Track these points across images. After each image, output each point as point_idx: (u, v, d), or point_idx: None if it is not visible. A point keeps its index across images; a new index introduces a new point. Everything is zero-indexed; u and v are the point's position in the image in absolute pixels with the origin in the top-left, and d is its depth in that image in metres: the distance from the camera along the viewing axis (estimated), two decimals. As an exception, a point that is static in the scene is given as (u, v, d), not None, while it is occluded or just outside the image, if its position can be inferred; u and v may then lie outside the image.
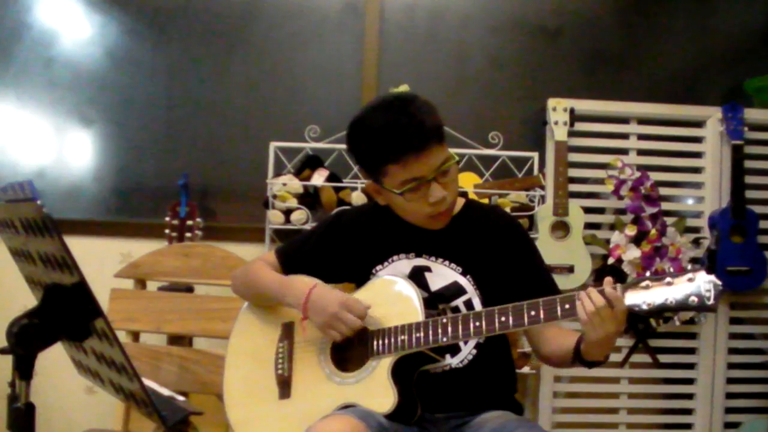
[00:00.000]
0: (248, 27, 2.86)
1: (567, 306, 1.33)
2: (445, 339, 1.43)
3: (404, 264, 1.58)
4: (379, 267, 1.59)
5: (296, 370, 1.55)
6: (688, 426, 2.67)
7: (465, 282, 1.55)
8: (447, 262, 1.56)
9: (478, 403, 1.53)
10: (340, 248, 1.64)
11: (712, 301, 1.24)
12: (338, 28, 2.88)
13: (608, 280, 1.32)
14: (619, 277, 2.52)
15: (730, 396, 2.65)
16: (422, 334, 1.43)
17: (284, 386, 1.55)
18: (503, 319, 1.39)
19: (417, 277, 1.55)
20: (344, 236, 1.64)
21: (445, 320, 1.43)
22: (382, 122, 1.46)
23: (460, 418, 1.52)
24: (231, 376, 1.64)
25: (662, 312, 1.29)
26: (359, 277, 1.62)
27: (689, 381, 2.66)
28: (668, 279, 1.27)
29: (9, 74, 2.82)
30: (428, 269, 1.56)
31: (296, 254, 1.67)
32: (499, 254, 1.57)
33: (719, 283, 1.25)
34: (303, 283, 1.54)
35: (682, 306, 1.26)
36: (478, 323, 1.41)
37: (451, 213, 1.56)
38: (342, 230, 1.65)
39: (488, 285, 1.56)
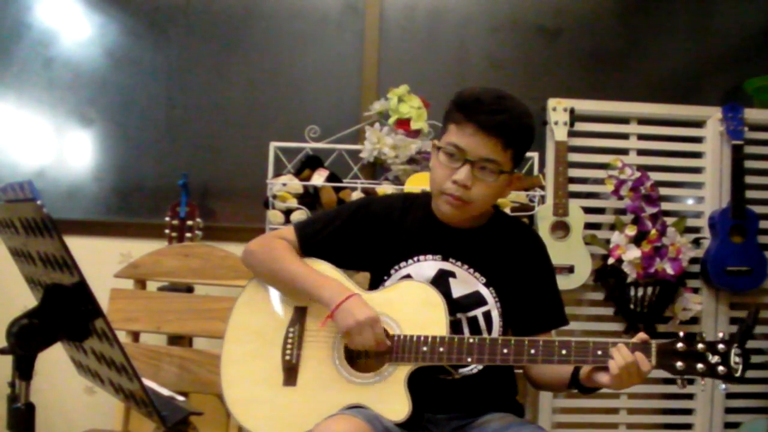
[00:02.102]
0: (248, 27, 2.86)
1: (599, 353, 1.35)
2: (469, 359, 1.42)
3: (430, 265, 1.55)
4: (403, 264, 1.56)
5: (305, 358, 1.51)
6: (688, 426, 2.67)
7: (487, 293, 1.54)
8: (472, 270, 1.55)
9: (480, 405, 1.54)
10: (365, 237, 1.59)
11: (739, 374, 1.29)
12: (338, 28, 2.88)
13: (642, 336, 1.34)
14: (619, 277, 2.52)
15: (730, 396, 2.65)
16: (445, 350, 1.42)
17: (290, 373, 1.50)
18: (533, 351, 1.38)
19: (441, 280, 1.53)
20: (372, 225, 1.59)
21: (471, 340, 1.42)
22: (481, 91, 1.49)
23: (463, 419, 1.52)
24: (232, 351, 1.57)
25: (689, 375, 1.32)
26: (379, 269, 1.58)
27: (689, 381, 2.65)
28: (700, 345, 1.31)
29: (9, 74, 2.82)
30: (453, 275, 1.54)
31: (317, 236, 1.61)
32: (520, 269, 1.56)
33: (749, 356, 1.29)
34: (344, 286, 1.50)
35: (710, 374, 1.30)
36: (506, 351, 1.40)
37: (464, 209, 1.50)
38: (370, 218, 1.60)
39: (508, 299, 1.55)
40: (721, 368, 1.28)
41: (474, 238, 1.56)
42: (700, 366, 1.29)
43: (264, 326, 1.56)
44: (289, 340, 1.53)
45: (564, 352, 1.36)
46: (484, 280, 1.54)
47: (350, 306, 1.44)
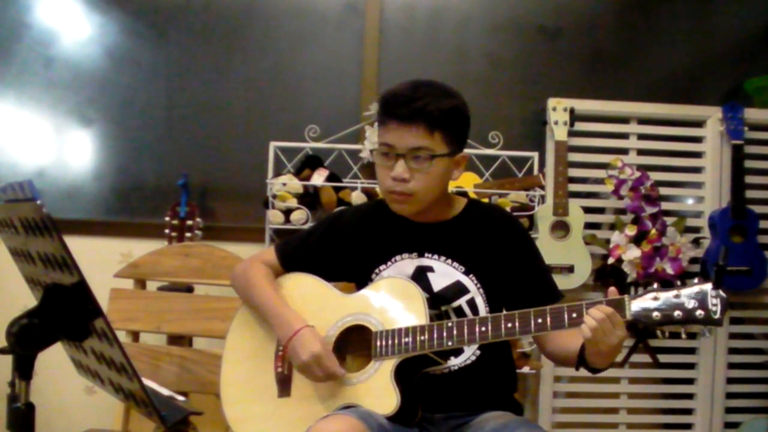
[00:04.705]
0: (248, 27, 2.86)
1: (574, 315, 1.33)
2: (450, 343, 1.42)
3: (407, 264, 1.57)
4: (382, 267, 1.59)
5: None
6: (688, 426, 2.67)
7: (467, 281, 1.55)
8: (450, 261, 1.56)
9: (478, 403, 1.53)
10: (341, 248, 1.63)
11: (718, 316, 1.25)
12: (338, 28, 2.88)
13: (612, 290, 1.33)
14: (619, 277, 2.52)
15: (730, 396, 2.66)
16: (426, 337, 1.43)
17: (284, 385, 1.54)
18: (510, 325, 1.38)
19: (420, 277, 1.54)
20: (346, 236, 1.63)
21: (450, 324, 1.43)
22: (397, 86, 1.51)
23: (460, 419, 1.52)
24: (228, 373, 1.63)
25: (668, 325, 1.29)
26: (360, 276, 1.61)
27: (689, 381, 2.66)
28: (675, 291, 1.28)
29: (9, 74, 2.82)
30: (431, 269, 1.56)
31: (296, 253, 1.66)
32: (501, 253, 1.57)
33: (725, 297, 1.25)
34: (294, 321, 1.52)
35: (688, 319, 1.26)
36: (484, 329, 1.40)
37: (413, 203, 1.52)
38: (343, 230, 1.65)
39: (491, 284, 1.56)
40: (699, 312, 1.25)
41: (448, 230, 1.58)
42: (677, 313, 1.26)
43: (256, 344, 1.61)
44: (280, 353, 1.57)
45: (540, 321, 1.36)
46: (463, 269, 1.55)
47: (298, 341, 1.47)
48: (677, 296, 1.27)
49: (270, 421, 1.53)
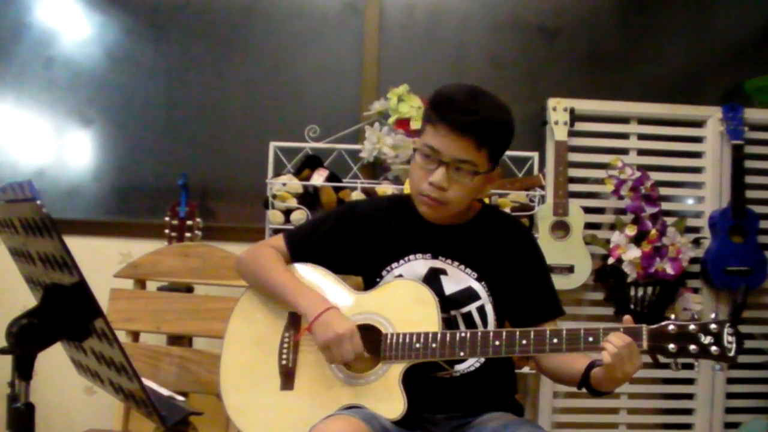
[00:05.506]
0: (248, 27, 2.86)
1: (590, 339, 1.34)
2: (462, 353, 1.41)
3: (420, 264, 1.56)
4: (394, 265, 1.57)
5: (301, 362, 1.52)
6: (688, 426, 2.67)
7: (479, 288, 1.54)
8: (463, 266, 1.55)
9: (479, 405, 1.53)
10: (352, 241, 1.61)
11: (733, 354, 1.26)
12: (338, 28, 2.88)
13: (627, 318, 1.33)
14: (619, 277, 2.52)
15: (730, 396, 2.65)
16: (438, 346, 1.42)
17: (287, 377, 1.52)
18: (524, 342, 1.38)
19: (432, 278, 1.54)
20: (358, 229, 1.61)
21: (463, 334, 1.42)
22: (455, 90, 1.47)
23: (462, 419, 1.52)
24: (230, 360, 1.59)
25: (683, 357, 1.30)
26: (370, 272, 1.59)
27: (689, 381, 2.66)
28: (692, 326, 1.29)
29: (9, 74, 2.82)
30: (444, 272, 1.55)
31: (305, 242, 1.63)
32: (511, 263, 1.56)
33: (743, 336, 1.27)
34: (322, 298, 1.51)
35: (703, 355, 1.28)
36: (497, 343, 1.39)
37: (441, 210, 1.51)
38: (356, 222, 1.62)
39: (501, 293, 1.55)
40: (714, 348, 1.26)
41: (462, 234, 1.57)
42: (692, 347, 1.27)
43: (260, 334, 1.58)
44: (285, 346, 1.55)
45: (555, 341, 1.36)
46: (476, 275, 1.55)
47: (328, 319, 1.45)
48: (694, 330, 1.28)
49: (270, 413, 1.51)
